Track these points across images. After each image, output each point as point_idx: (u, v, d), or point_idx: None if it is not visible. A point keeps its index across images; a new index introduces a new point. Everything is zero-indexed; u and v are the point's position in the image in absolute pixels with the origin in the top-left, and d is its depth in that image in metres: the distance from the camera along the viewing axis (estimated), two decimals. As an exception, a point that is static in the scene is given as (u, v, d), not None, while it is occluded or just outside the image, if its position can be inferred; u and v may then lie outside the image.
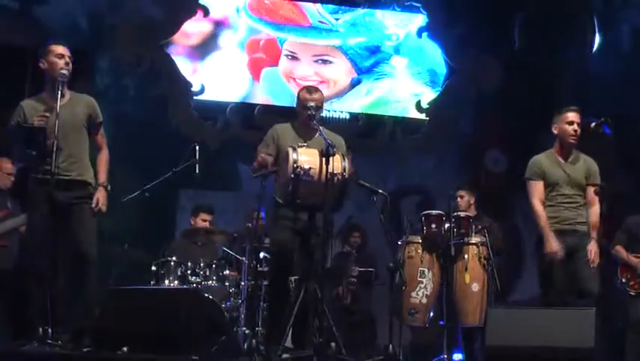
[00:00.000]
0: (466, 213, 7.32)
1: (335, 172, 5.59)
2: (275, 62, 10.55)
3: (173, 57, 10.22)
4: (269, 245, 6.87)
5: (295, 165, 5.59)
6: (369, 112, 10.71)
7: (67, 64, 5.81)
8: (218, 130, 10.23)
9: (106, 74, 10.00)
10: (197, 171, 7.14)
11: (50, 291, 5.63)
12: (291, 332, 5.78)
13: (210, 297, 6.75)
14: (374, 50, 10.83)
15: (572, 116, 6.57)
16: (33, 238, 5.79)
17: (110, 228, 7.72)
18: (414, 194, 10.38)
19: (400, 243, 6.98)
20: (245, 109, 10.34)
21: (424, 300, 6.89)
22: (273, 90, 10.50)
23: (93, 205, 5.80)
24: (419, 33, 10.90)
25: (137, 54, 10.01)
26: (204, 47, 10.42)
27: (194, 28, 10.36)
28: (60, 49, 5.86)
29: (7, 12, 9.45)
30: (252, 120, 10.19)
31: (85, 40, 9.69)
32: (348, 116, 10.61)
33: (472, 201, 8.01)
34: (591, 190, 6.50)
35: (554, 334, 5.46)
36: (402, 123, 10.81)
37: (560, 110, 6.62)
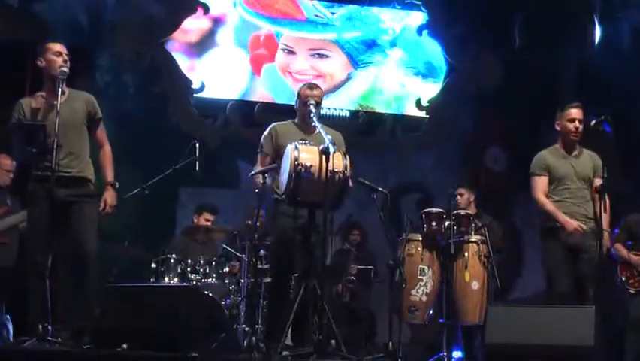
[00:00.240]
0: (466, 211, 7.32)
1: (336, 170, 5.58)
2: (274, 58, 10.57)
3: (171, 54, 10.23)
4: (269, 242, 6.87)
5: (296, 163, 5.59)
6: (364, 103, 10.71)
7: (65, 61, 5.80)
8: (218, 128, 10.23)
9: (106, 72, 9.99)
10: (197, 169, 7.13)
11: (50, 288, 5.63)
12: (290, 329, 5.78)
13: (210, 294, 6.77)
14: (370, 44, 10.83)
15: (574, 112, 6.57)
16: (33, 236, 5.78)
17: (110, 225, 7.71)
18: (414, 192, 10.38)
19: (400, 240, 6.99)
20: (245, 106, 10.34)
21: (424, 298, 6.90)
22: (272, 86, 10.50)
23: (101, 207, 5.80)
24: (419, 31, 10.90)
25: (137, 52, 10.00)
26: (202, 44, 10.42)
27: (192, 25, 10.36)
28: (57, 47, 5.85)
29: (6, 9, 9.44)
30: (252, 118, 10.18)
31: (85, 38, 9.68)
32: (348, 114, 10.62)
33: (472, 199, 8.00)
34: (594, 187, 6.50)
35: (554, 332, 5.46)
36: (402, 121, 10.82)
37: (562, 107, 6.63)
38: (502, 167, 10.69)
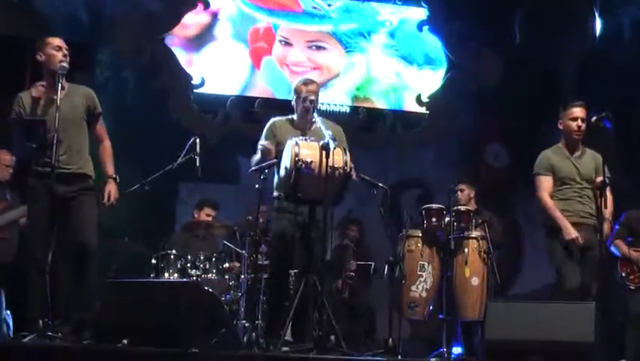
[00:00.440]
0: (467, 207, 7.33)
1: (336, 166, 5.58)
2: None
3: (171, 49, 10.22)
4: (270, 238, 6.87)
5: (297, 159, 5.59)
6: (360, 95, 10.71)
7: (65, 56, 5.80)
8: (219, 123, 10.23)
9: (106, 67, 9.97)
10: (197, 165, 7.13)
11: (50, 284, 5.63)
12: (290, 325, 5.78)
13: (210, 290, 6.76)
14: (366, 37, 10.81)
15: (577, 111, 6.58)
16: (33, 231, 5.79)
17: (110, 221, 7.70)
18: (414, 188, 10.38)
19: (400, 236, 6.98)
20: (245, 102, 10.33)
21: (424, 294, 6.90)
22: (272, 80, 10.50)
23: (105, 200, 5.80)
24: (420, 27, 10.89)
25: (137, 47, 9.99)
26: (200, 38, 10.40)
27: (191, 19, 10.34)
28: (57, 41, 5.85)
29: (6, 4, 9.43)
30: (252, 113, 10.17)
31: (85, 33, 9.66)
32: (348, 110, 10.61)
33: (472, 195, 8.00)
34: (595, 183, 6.51)
35: (554, 328, 5.46)
36: (402, 117, 10.81)
37: (565, 106, 6.64)
38: (503, 163, 10.68)
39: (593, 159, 6.63)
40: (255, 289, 7.42)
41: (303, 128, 6.21)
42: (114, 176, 5.91)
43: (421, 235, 6.99)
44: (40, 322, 5.28)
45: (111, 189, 5.84)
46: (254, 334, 5.83)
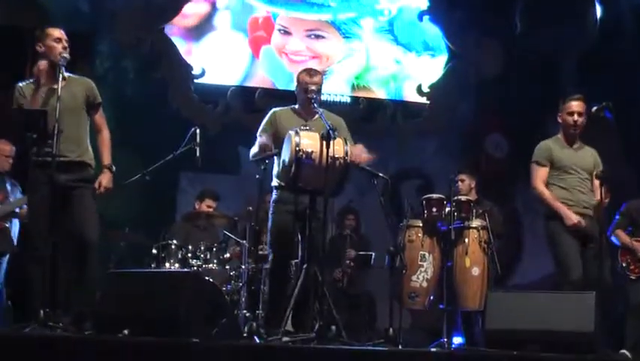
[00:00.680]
0: (467, 197, 7.32)
1: (337, 156, 5.58)
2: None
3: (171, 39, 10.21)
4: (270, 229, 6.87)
5: (297, 149, 5.58)
6: (360, 83, 10.70)
7: (65, 48, 5.79)
8: (219, 113, 10.22)
9: (106, 58, 9.97)
10: (197, 155, 7.12)
11: (51, 274, 5.64)
12: (291, 315, 5.78)
13: (211, 280, 6.76)
14: (365, 25, 10.77)
15: (574, 105, 6.59)
16: (33, 221, 5.79)
17: (111, 211, 7.73)
18: (414, 178, 10.38)
19: (400, 226, 6.99)
20: (245, 92, 10.33)
21: (425, 284, 6.90)
22: (271, 69, 10.49)
23: (96, 186, 5.79)
24: (420, 16, 10.88)
25: (137, 37, 9.98)
26: (199, 28, 10.39)
27: (190, 9, 10.32)
28: (57, 32, 5.83)
29: (7, -5, 9.43)
30: (252, 104, 10.17)
31: (85, 23, 9.65)
32: (349, 100, 10.61)
33: (472, 185, 8.00)
34: (595, 174, 6.52)
35: (554, 317, 5.47)
36: (402, 107, 10.81)
37: (564, 99, 6.65)
38: (503, 153, 10.69)
39: (591, 155, 6.69)
40: (256, 280, 7.45)
41: (305, 118, 6.20)
42: (110, 165, 5.90)
43: (421, 225, 6.99)
44: (41, 312, 5.29)
45: (103, 179, 5.83)
46: (254, 324, 5.84)
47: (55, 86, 5.59)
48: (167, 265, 7.45)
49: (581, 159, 6.60)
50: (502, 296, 5.96)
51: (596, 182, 6.49)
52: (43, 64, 5.81)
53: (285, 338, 5.47)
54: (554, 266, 6.57)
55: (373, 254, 8.89)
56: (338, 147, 5.62)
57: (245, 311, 7.46)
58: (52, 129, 5.48)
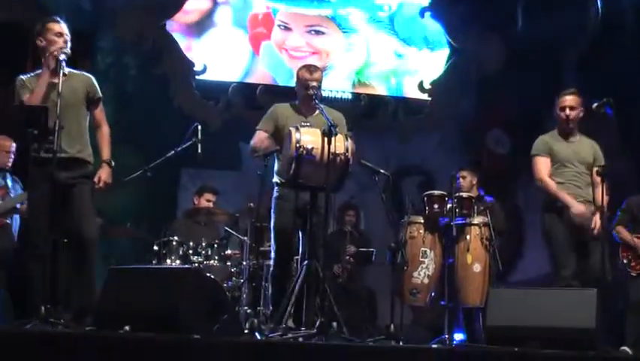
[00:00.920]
0: (469, 194, 7.31)
1: (337, 152, 5.57)
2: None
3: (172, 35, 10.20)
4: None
5: (298, 145, 5.58)
6: (361, 79, 10.68)
7: (66, 42, 5.76)
8: (220, 110, 10.22)
9: (107, 54, 9.96)
10: (199, 151, 7.12)
11: (52, 271, 5.63)
12: (292, 311, 5.78)
13: (212, 276, 6.77)
14: (365, 21, 10.76)
15: (567, 100, 6.61)
16: (34, 218, 5.78)
17: (112, 207, 7.73)
18: (416, 174, 10.38)
19: (401, 223, 6.98)
20: (247, 89, 10.33)
21: (426, 280, 6.91)
22: (271, 65, 10.48)
23: (95, 181, 5.78)
24: (422, 13, 10.87)
25: (138, 34, 9.97)
26: (200, 24, 10.39)
27: (191, 5, 10.32)
28: (58, 27, 5.80)
29: (8, -11, 9.42)
30: (253, 100, 10.16)
31: (86, 20, 9.64)
32: (350, 97, 10.60)
33: (474, 182, 7.98)
34: (595, 170, 6.51)
35: (555, 314, 5.46)
36: (404, 103, 10.80)
37: (559, 94, 6.65)
38: (505, 149, 10.68)
39: (591, 147, 6.67)
40: (257, 276, 7.45)
41: (305, 114, 6.20)
42: (108, 160, 5.88)
43: (423, 221, 7.00)
44: (42, 308, 5.28)
45: (102, 174, 5.81)
46: (256, 320, 5.83)
47: (56, 81, 5.57)
48: (168, 261, 7.45)
49: (578, 153, 6.60)
50: (503, 293, 5.95)
51: (597, 178, 6.47)
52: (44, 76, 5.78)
53: (286, 335, 5.47)
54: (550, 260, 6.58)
55: (374, 251, 8.89)
56: (339, 143, 5.62)
57: (246, 308, 7.46)
58: (53, 125, 5.46)
